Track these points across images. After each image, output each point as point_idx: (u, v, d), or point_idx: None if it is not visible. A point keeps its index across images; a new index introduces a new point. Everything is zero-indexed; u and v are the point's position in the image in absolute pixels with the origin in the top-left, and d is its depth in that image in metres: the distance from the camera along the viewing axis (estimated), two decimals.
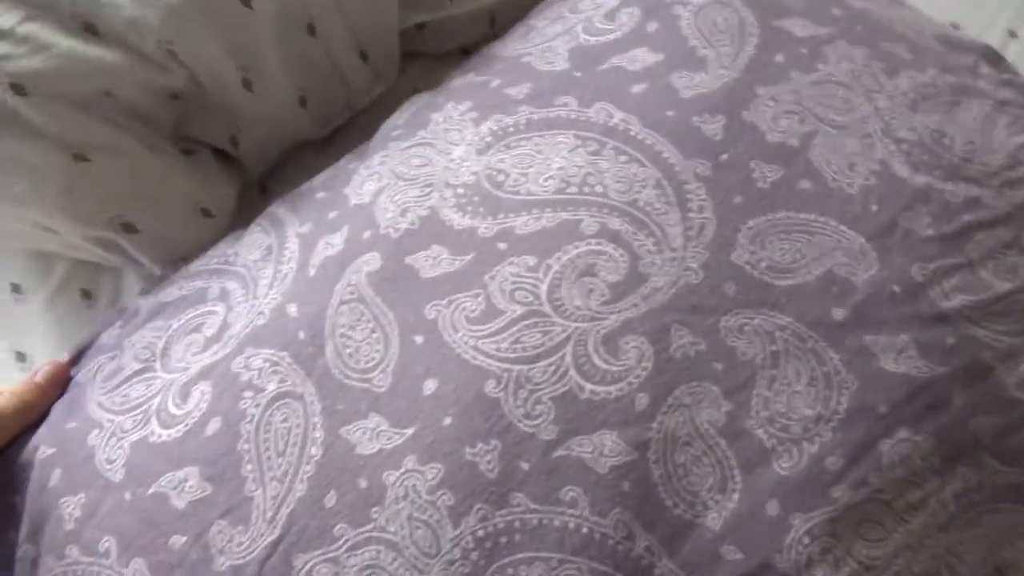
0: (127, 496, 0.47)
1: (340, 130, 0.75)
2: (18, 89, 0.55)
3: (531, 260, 0.50)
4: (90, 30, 0.57)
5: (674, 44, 0.58)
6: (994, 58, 0.59)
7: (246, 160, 0.69)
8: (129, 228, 0.61)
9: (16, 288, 0.70)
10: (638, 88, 0.56)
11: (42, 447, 0.51)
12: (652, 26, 0.59)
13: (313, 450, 0.47)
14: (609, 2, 0.62)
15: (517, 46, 0.64)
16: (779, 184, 0.51)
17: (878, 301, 0.47)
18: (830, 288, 0.48)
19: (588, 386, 0.47)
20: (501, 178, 0.54)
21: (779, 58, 0.56)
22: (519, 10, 0.71)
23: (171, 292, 0.59)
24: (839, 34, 0.57)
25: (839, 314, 0.48)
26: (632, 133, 0.54)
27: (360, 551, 0.45)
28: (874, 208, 0.50)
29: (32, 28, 0.55)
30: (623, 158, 0.53)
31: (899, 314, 0.47)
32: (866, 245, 0.49)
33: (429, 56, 0.78)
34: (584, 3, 0.64)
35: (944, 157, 0.52)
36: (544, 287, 0.49)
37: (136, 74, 0.58)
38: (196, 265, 0.60)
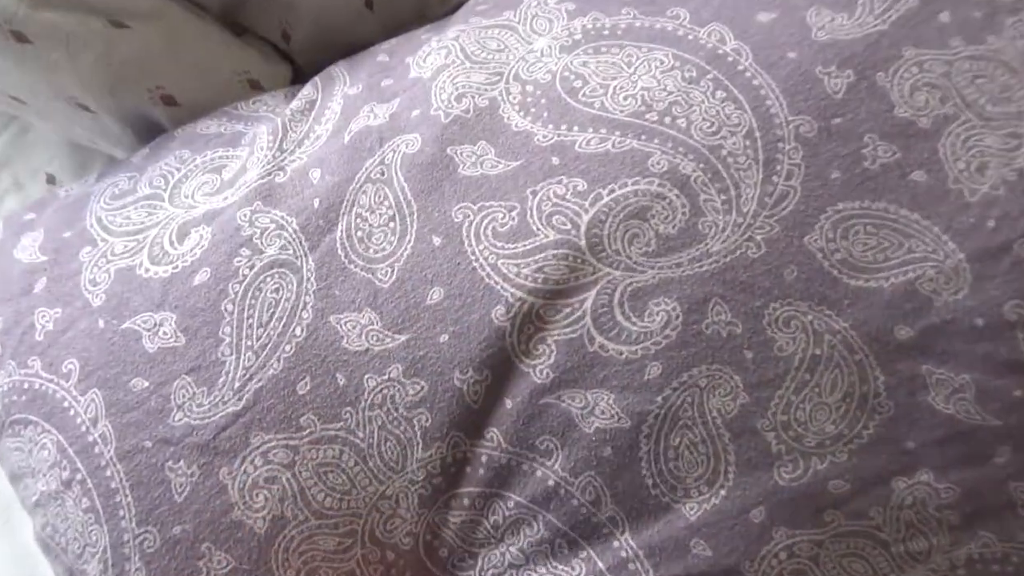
0: (100, 323, 0.50)
1: None
2: None
3: (581, 184, 0.49)
4: None
5: None
6: None
7: (298, 57, 0.68)
8: (169, 100, 0.62)
9: (51, 179, 0.74)
10: (765, 16, 0.52)
11: (35, 250, 0.53)
12: None
13: (298, 330, 0.48)
14: None
15: None
16: (890, 168, 0.48)
17: (953, 331, 0.45)
18: (904, 303, 0.45)
19: (599, 339, 0.46)
20: (579, 84, 0.52)
21: (944, 17, 0.51)
22: None
23: (209, 125, 0.60)
24: None
25: (903, 333, 0.45)
26: (740, 68, 0.51)
27: (323, 446, 0.47)
28: (990, 224, 0.46)
29: None
30: (721, 94, 0.50)
31: (971, 351, 0.45)
32: (964, 264, 0.45)
33: None
34: None
35: None
36: (586, 218, 0.48)
37: None
38: (245, 107, 0.62)
